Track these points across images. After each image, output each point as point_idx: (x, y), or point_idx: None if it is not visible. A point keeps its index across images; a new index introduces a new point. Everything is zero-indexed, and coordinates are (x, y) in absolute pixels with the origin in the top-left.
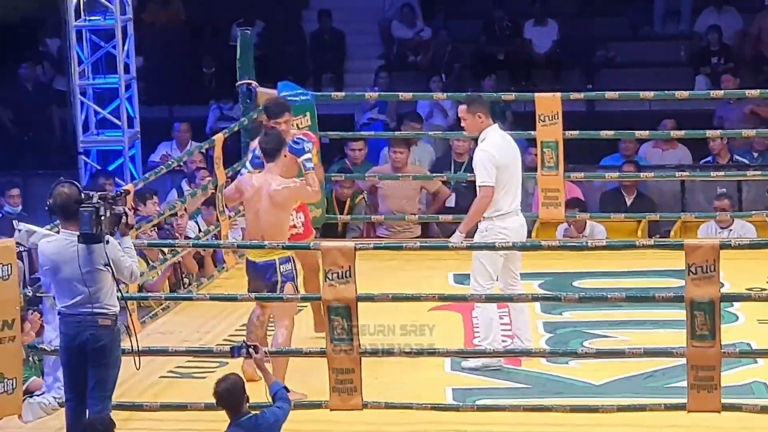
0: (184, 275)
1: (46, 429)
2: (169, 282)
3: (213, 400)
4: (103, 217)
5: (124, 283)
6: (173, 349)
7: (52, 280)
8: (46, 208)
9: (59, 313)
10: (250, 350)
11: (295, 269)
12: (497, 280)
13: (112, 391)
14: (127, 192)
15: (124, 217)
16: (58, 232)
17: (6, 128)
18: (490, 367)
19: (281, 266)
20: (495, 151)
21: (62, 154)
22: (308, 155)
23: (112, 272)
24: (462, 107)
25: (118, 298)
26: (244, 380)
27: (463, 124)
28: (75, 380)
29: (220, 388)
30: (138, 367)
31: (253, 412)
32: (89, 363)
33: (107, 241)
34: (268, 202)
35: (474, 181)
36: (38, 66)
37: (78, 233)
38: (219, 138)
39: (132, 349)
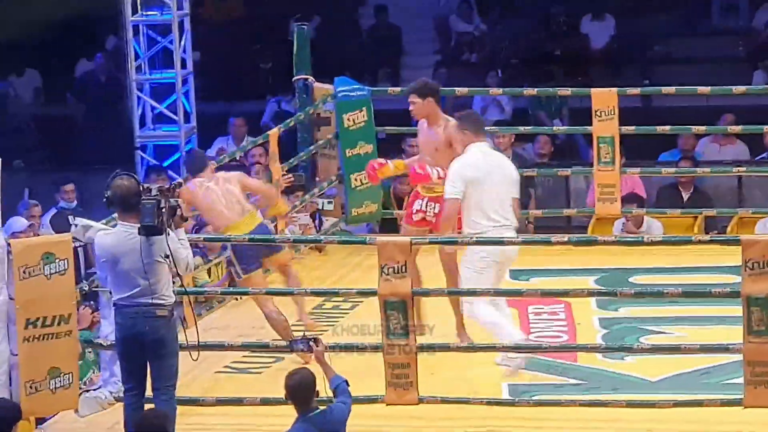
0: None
1: (102, 423)
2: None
3: (268, 395)
4: (163, 209)
5: (179, 274)
6: (229, 344)
7: (110, 273)
8: (104, 200)
9: (115, 305)
10: (311, 343)
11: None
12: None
13: (175, 379)
14: (180, 184)
15: (179, 210)
16: (113, 227)
17: (63, 124)
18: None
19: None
20: (468, 165)
21: (118, 149)
22: None
23: (172, 264)
24: (452, 122)
25: (176, 292)
26: (314, 375)
27: (453, 143)
28: (133, 370)
29: (292, 381)
30: (196, 358)
31: (321, 408)
32: (148, 354)
33: (167, 233)
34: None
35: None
36: (95, 62)
37: (138, 225)
38: (273, 133)
39: (189, 343)
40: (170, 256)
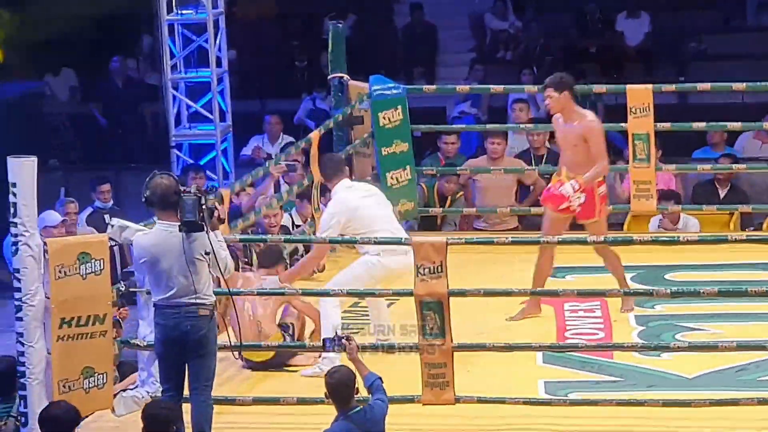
0: None
1: (139, 423)
2: None
3: (305, 394)
4: (204, 206)
5: (222, 273)
6: (266, 344)
7: (149, 273)
8: (143, 199)
9: (155, 306)
10: (344, 341)
11: None
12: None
13: (212, 380)
14: (215, 188)
15: (216, 212)
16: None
17: (98, 123)
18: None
19: None
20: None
21: (154, 149)
22: None
23: (213, 262)
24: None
25: (215, 292)
26: (354, 373)
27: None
28: (171, 372)
29: (333, 379)
30: (237, 357)
31: (361, 406)
32: (188, 354)
33: (208, 232)
34: None
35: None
36: (131, 61)
37: (177, 223)
38: (315, 135)
39: (231, 343)
40: (212, 253)
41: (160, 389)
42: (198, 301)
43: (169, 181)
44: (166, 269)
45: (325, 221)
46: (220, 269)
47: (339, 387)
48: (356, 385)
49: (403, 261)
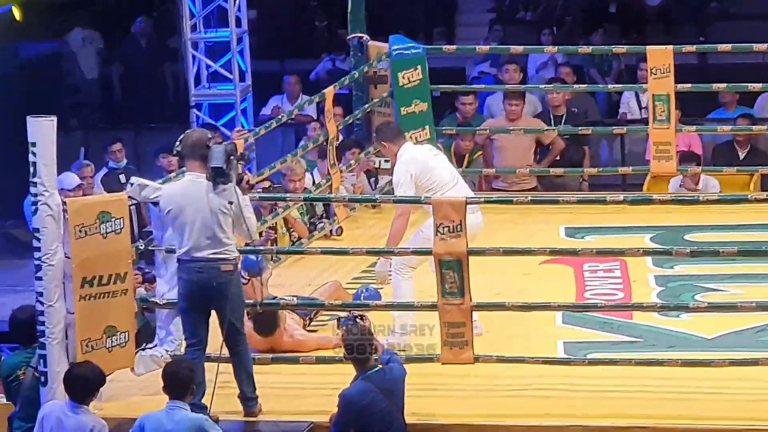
0: (292, 229)
1: (158, 382)
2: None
3: (324, 354)
4: (233, 159)
5: (249, 232)
6: (285, 302)
7: (173, 224)
8: (175, 153)
9: (179, 260)
10: (358, 320)
11: None
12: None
13: (244, 330)
14: (245, 155)
15: (245, 177)
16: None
17: (118, 83)
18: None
19: None
20: None
21: (174, 109)
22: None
23: (238, 218)
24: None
25: (241, 251)
26: (372, 331)
27: None
28: (197, 325)
29: (350, 338)
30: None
31: (380, 366)
32: (216, 307)
33: (234, 189)
34: None
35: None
36: (151, 22)
37: (206, 174)
38: (329, 91)
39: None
40: (237, 207)
41: (180, 347)
42: (221, 255)
43: (201, 133)
44: (190, 220)
45: (397, 178)
46: (245, 228)
47: (355, 345)
48: (375, 344)
49: (473, 220)
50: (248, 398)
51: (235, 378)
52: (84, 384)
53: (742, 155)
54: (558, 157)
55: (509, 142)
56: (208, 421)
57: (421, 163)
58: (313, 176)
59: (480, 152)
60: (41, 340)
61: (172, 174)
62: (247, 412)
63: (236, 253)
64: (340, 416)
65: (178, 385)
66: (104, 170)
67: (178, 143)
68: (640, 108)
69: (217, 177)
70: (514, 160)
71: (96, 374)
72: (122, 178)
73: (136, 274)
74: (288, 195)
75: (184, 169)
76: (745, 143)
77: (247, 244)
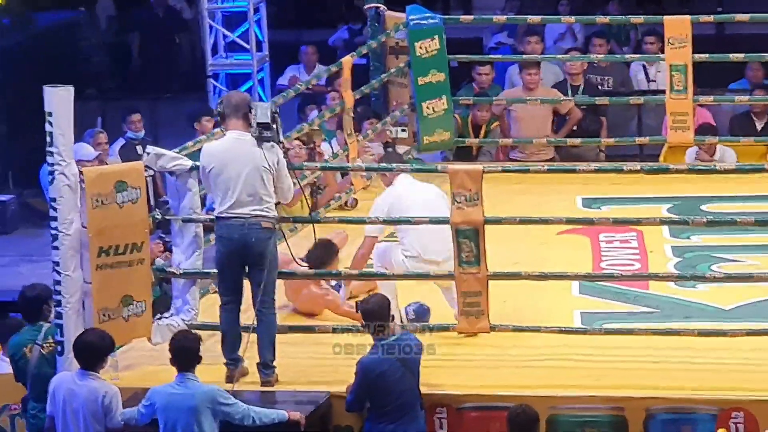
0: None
1: None
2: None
3: (340, 323)
4: (277, 116)
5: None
6: (301, 271)
7: (215, 182)
8: (216, 115)
9: (218, 218)
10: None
11: None
12: None
13: (275, 294)
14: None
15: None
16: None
17: (134, 53)
18: None
19: None
20: None
21: (190, 79)
22: None
23: (279, 176)
24: None
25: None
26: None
27: None
28: (233, 283)
29: (370, 304)
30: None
31: (397, 335)
32: (252, 266)
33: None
34: None
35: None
36: None
37: (248, 133)
38: (347, 61)
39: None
40: (279, 162)
41: (196, 317)
42: (262, 213)
43: (242, 94)
44: (234, 177)
45: (374, 207)
46: (284, 187)
47: (374, 310)
48: (392, 313)
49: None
50: (267, 365)
51: (257, 342)
52: (93, 351)
53: (759, 126)
54: (575, 128)
55: (526, 113)
56: (220, 391)
57: (396, 200)
58: (331, 146)
59: (497, 123)
60: (57, 309)
61: (203, 137)
62: (263, 380)
63: (275, 212)
64: (358, 383)
65: (186, 357)
66: (121, 141)
67: (219, 104)
68: (648, 81)
69: (264, 131)
70: (532, 130)
71: (104, 340)
72: (139, 149)
73: (158, 243)
74: (305, 164)
75: (214, 131)
76: (763, 114)
77: (277, 204)
